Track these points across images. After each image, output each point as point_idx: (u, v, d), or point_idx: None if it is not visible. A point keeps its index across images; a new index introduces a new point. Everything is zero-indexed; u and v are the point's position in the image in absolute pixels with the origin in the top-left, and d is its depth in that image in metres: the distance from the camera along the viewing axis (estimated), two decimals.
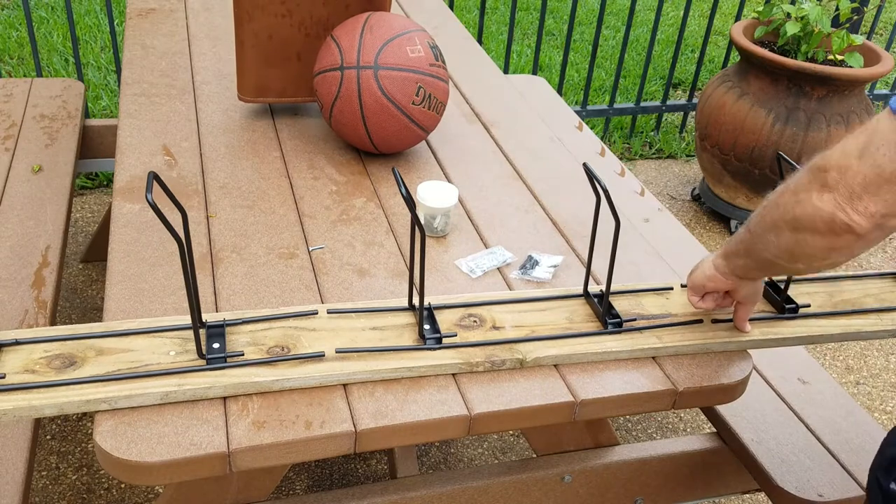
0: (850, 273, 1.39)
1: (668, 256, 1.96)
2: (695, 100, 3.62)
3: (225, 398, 1.04)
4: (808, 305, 1.29)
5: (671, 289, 1.31)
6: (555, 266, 1.36)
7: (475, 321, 1.20)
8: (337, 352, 1.10)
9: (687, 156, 3.57)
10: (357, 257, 1.34)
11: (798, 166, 1.17)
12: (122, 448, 0.96)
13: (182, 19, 2.17)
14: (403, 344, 1.14)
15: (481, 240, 1.43)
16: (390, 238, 1.40)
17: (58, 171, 2.00)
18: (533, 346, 1.15)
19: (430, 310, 1.20)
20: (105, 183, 2.99)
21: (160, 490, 1.86)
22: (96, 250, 2.54)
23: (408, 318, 1.19)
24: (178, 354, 1.08)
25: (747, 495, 1.99)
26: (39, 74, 2.87)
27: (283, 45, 1.66)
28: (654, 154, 3.54)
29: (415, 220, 1.03)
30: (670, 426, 2.18)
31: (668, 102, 3.59)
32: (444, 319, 1.19)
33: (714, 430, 1.55)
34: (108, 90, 3.47)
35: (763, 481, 1.43)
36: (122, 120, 1.67)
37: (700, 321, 1.23)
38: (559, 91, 3.41)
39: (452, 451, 2.04)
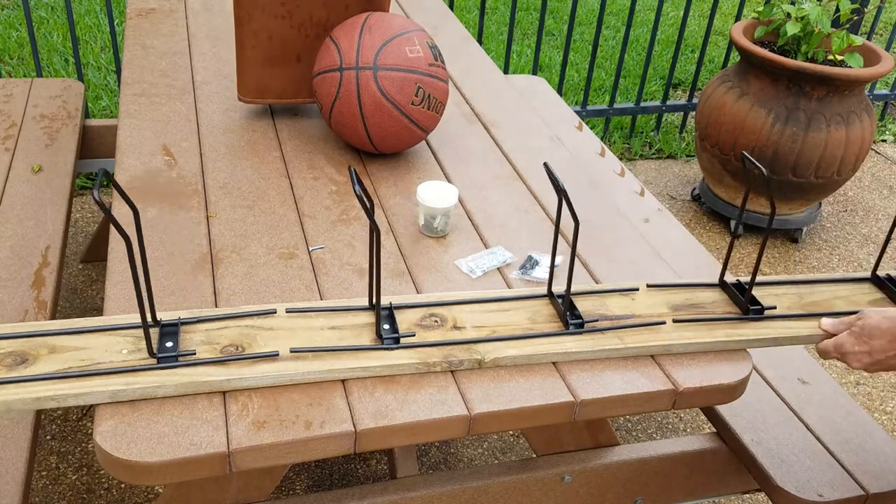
0: (822, 276, 1.39)
1: (668, 256, 1.97)
2: (695, 100, 3.62)
3: (225, 398, 1.04)
4: (774, 307, 1.28)
5: (636, 290, 1.30)
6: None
7: (436, 321, 1.19)
8: (292, 351, 1.09)
9: (687, 156, 3.57)
10: (357, 257, 1.34)
11: (761, 167, 1.18)
12: (122, 448, 0.96)
13: (182, 19, 2.17)
14: (361, 343, 1.13)
15: (481, 240, 1.43)
16: (390, 238, 1.40)
17: (58, 171, 2.00)
18: (492, 347, 1.15)
19: (391, 309, 1.19)
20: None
21: (160, 490, 1.86)
22: (96, 250, 2.54)
23: (367, 318, 1.18)
24: (130, 353, 1.07)
25: (747, 495, 1.99)
26: (39, 74, 2.87)
27: (282, 46, 1.66)
28: (654, 154, 3.54)
29: (370, 218, 1.01)
30: (670, 426, 2.18)
31: (668, 102, 3.59)
32: (405, 319, 1.18)
33: (714, 430, 1.55)
34: (108, 90, 3.47)
35: (763, 481, 1.43)
36: (122, 120, 1.67)
37: (662, 322, 1.22)
38: (559, 91, 3.42)
39: (452, 451, 2.04)
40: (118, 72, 3.08)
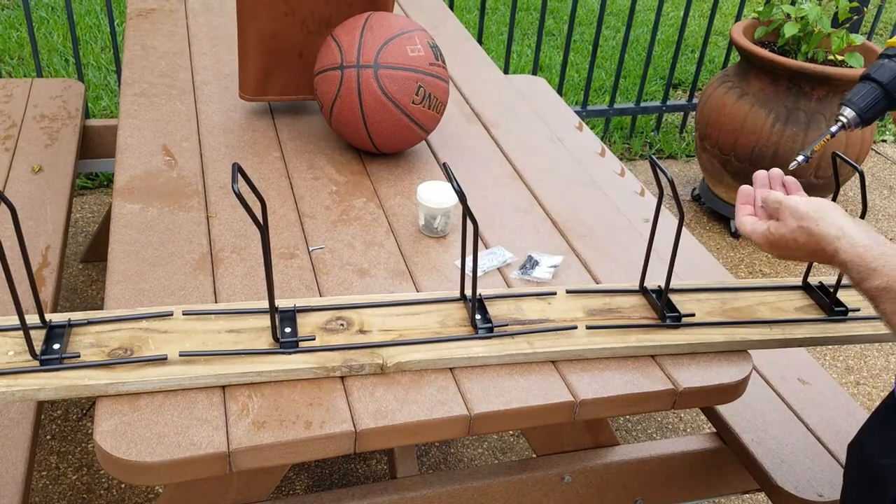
0: (751, 283, 1.36)
1: (668, 256, 1.96)
2: (695, 100, 3.62)
3: (225, 398, 1.04)
4: (693, 315, 1.24)
5: (554, 294, 1.27)
6: (555, 266, 1.36)
7: (342, 324, 1.16)
8: (181, 355, 1.07)
9: (687, 156, 3.57)
10: (357, 257, 1.34)
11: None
12: (122, 448, 0.96)
13: (182, 19, 2.17)
14: (259, 347, 1.10)
15: (481, 240, 1.43)
16: (390, 238, 1.40)
17: (58, 171, 2.00)
18: (396, 351, 1.12)
19: (294, 312, 1.16)
20: (105, 183, 2.99)
21: (160, 490, 1.86)
22: (96, 250, 2.54)
23: (268, 321, 1.15)
24: (16, 354, 1.06)
25: (747, 495, 1.99)
26: (39, 75, 2.87)
27: (285, 44, 1.66)
28: (654, 154, 3.54)
29: (253, 217, 0.97)
30: (670, 426, 2.18)
31: (668, 102, 3.59)
32: (309, 322, 1.16)
33: (714, 430, 1.55)
34: (108, 90, 3.47)
35: (763, 481, 1.43)
36: (122, 120, 1.67)
37: (574, 327, 1.20)
38: (559, 91, 3.42)
39: (452, 451, 2.04)
40: (118, 72, 3.08)
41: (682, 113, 3.76)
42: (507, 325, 1.19)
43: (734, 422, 1.51)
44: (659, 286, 1.29)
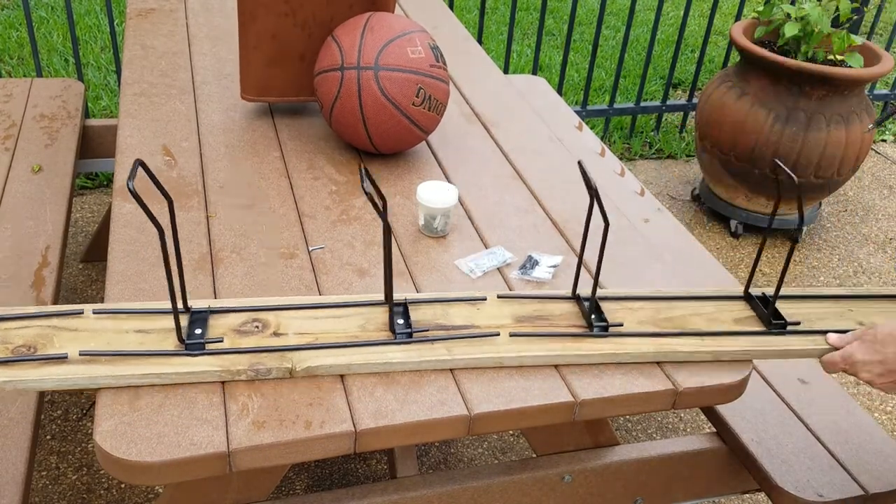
0: (691, 292, 1.30)
1: (668, 256, 1.97)
2: (695, 100, 3.62)
3: (225, 398, 1.04)
4: (621, 324, 1.21)
5: (484, 299, 1.24)
6: (555, 266, 1.36)
7: (257, 326, 1.14)
8: (81, 354, 1.05)
9: (687, 156, 3.57)
10: (357, 257, 1.34)
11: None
12: (122, 448, 0.96)
13: (182, 19, 2.17)
14: (165, 349, 1.08)
15: (481, 240, 1.43)
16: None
17: (58, 171, 2.00)
18: (308, 355, 1.10)
19: (207, 313, 1.14)
20: (105, 183, 2.99)
21: (160, 490, 1.86)
22: (96, 250, 2.54)
23: (182, 322, 1.13)
24: None
25: (747, 495, 1.99)
26: (39, 74, 2.87)
27: (286, 45, 1.66)
28: (654, 154, 3.54)
29: (150, 216, 0.96)
30: (670, 426, 2.18)
31: (668, 102, 3.59)
32: (222, 324, 1.14)
33: (714, 430, 1.55)
34: (108, 90, 3.47)
35: (763, 481, 1.43)
36: (122, 120, 1.67)
37: (497, 334, 1.16)
38: (559, 91, 3.42)
39: (452, 451, 2.04)
40: (118, 72, 3.08)
41: (681, 113, 3.76)
42: (427, 330, 1.16)
43: (734, 422, 1.51)
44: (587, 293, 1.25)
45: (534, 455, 1.44)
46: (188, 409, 1.02)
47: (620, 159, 3.44)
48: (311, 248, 1.35)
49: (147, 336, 1.10)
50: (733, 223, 3.00)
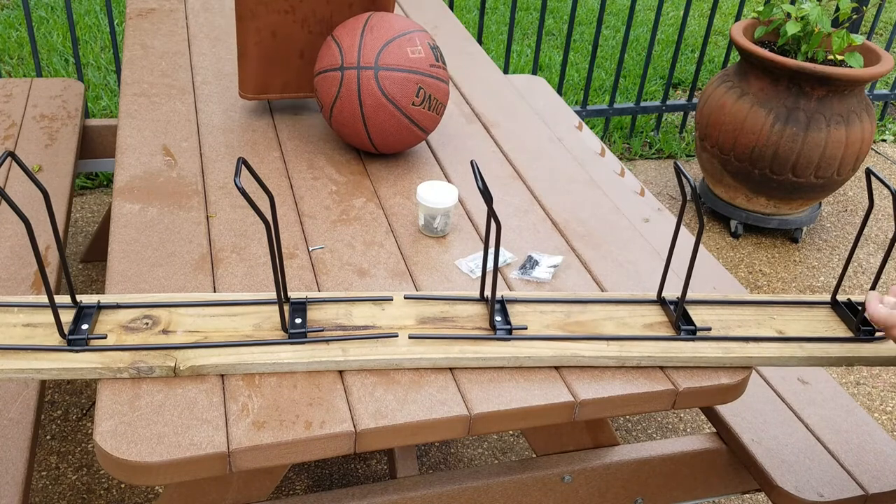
0: (600, 297, 1.27)
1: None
2: (695, 100, 3.62)
3: (225, 398, 1.04)
4: (525, 328, 1.18)
5: (390, 299, 1.21)
6: (555, 266, 1.36)
7: (147, 323, 1.12)
8: None
9: (687, 156, 3.57)
10: (357, 257, 1.34)
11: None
12: (122, 448, 0.96)
13: (182, 19, 2.17)
14: (49, 344, 1.06)
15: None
16: (390, 238, 1.40)
17: (58, 171, 2.00)
18: (194, 354, 1.08)
19: (96, 308, 1.12)
20: (105, 183, 2.99)
21: (160, 490, 1.86)
22: (96, 250, 2.54)
23: (70, 316, 1.12)
24: None
25: (747, 495, 1.99)
26: (39, 74, 2.87)
27: (285, 43, 1.66)
28: (654, 154, 3.55)
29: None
30: (670, 426, 2.18)
31: (668, 102, 3.59)
32: (111, 320, 1.12)
33: (714, 430, 1.55)
34: (108, 90, 3.47)
35: (763, 481, 1.43)
36: (122, 120, 1.67)
37: (395, 335, 1.14)
38: (559, 91, 3.42)
39: (452, 451, 2.04)
40: (118, 72, 3.08)
41: (681, 113, 3.76)
42: (323, 329, 1.14)
43: (734, 422, 1.51)
44: (503, 296, 1.23)
45: (534, 455, 1.44)
46: (188, 409, 1.02)
47: (620, 159, 3.45)
48: (311, 249, 1.35)
49: (35, 330, 1.09)
50: (733, 223, 3.01)
